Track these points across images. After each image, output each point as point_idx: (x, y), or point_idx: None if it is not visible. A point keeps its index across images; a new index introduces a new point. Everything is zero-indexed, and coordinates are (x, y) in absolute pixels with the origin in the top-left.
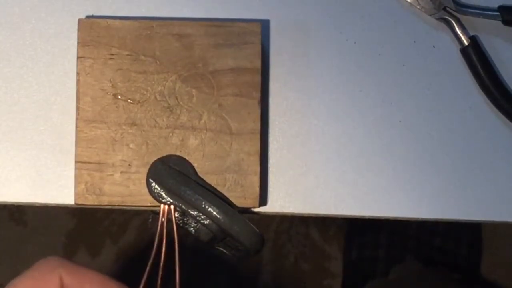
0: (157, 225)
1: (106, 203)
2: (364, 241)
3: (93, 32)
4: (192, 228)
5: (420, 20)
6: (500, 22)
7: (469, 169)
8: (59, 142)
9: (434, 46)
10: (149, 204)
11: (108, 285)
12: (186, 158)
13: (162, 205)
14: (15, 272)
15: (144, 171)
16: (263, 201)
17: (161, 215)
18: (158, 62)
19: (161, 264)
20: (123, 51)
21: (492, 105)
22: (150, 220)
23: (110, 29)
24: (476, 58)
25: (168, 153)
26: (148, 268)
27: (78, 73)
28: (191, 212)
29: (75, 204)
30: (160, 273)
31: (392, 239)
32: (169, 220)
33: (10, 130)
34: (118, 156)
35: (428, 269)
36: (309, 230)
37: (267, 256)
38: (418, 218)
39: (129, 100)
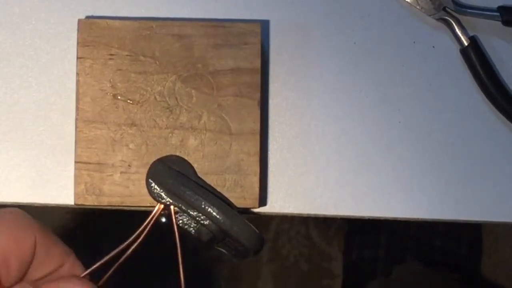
0: (151, 223)
1: (105, 204)
2: (364, 241)
3: (93, 32)
4: (192, 229)
5: (420, 20)
6: (500, 22)
7: (469, 169)
8: (59, 142)
9: (434, 46)
10: (149, 205)
11: (69, 254)
12: (186, 158)
13: (161, 205)
14: None
15: (144, 171)
16: (263, 201)
17: (153, 213)
18: (157, 62)
19: (121, 260)
20: (122, 52)
21: (492, 105)
22: (163, 220)
23: (110, 30)
24: (476, 58)
25: (167, 154)
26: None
27: (78, 74)
28: (191, 213)
29: (75, 204)
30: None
31: (392, 239)
32: (168, 221)
33: (10, 130)
34: (118, 156)
35: (428, 269)
36: (309, 230)
37: (267, 256)
38: (418, 218)
39: (128, 101)
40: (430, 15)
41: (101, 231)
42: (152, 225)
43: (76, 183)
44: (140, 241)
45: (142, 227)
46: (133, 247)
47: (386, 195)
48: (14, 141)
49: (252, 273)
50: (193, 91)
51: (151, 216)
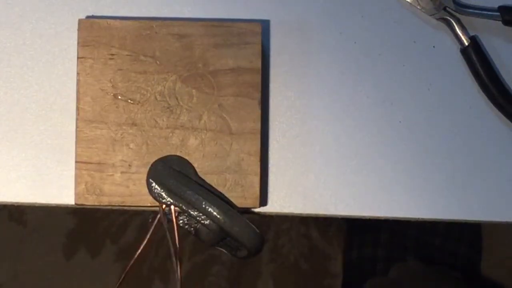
0: (153, 225)
1: (106, 203)
2: (364, 241)
3: (93, 32)
4: (192, 228)
5: (420, 20)
6: (500, 22)
7: (469, 169)
8: (59, 142)
9: (434, 46)
10: (149, 204)
11: None
12: (186, 158)
13: (162, 205)
14: (15, 272)
15: (144, 171)
16: (263, 201)
17: (159, 215)
18: (158, 62)
19: (132, 261)
20: (123, 51)
21: (492, 105)
22: (150, 220)
23: (110, 29)
24: (476, 58)
25: (168, 153)
26: (128, 267)
27: (78, 73)
28: (192, 212)
29: (75, 204)
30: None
31: (392, 239)
32: (169, 220)
33: (10, 130)
34: (118, 156)
35: (428, 268)
36: (309, 230)
37: (267, 256)
38: (418, 218)
39: (129, 100)
40: (430, 15)
41: (102, 230)
42: (155, 227)
43: (77, 183)
44: (145, 244)
45: (150, 233)
46: (139, 250)
47: (386, 195)
48: (14, 141)
49: (252, 273)
50: (193, 90)
51: (155, 222)
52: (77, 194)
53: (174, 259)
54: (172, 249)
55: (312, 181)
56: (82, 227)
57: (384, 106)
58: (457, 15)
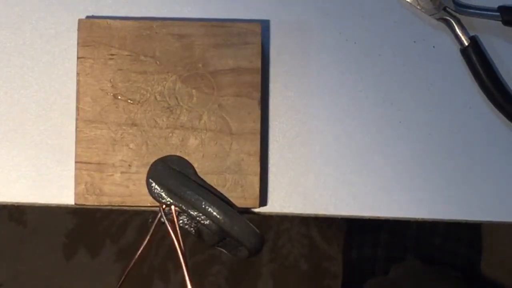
0: (153, 225)
1: (106, 203)
2: (364, 241)
3: (93, 32)
4: (192, 228)
5: (420, 20)
6: (500, 22)
7: (469, 169)
8: (59, 142)
9: (434, 46)
10: (149, 204)
11: None
12: (186, 158)
13: (162, 205)
14: (15, 272)
15: (144, 171)
16: (263, 201)
17: (159, 215)
18: (158, 62)
19: (132, 262)
20: (123, 51)
21: (492, 105)
22: (150, 220)
23: (110, 29)
24: (476, 58)
25: (168, 153)
26: (129, 267)
27: (78, 73)
28: (191, 212)
29: (75, 204)
30: (126, 271)
31: (392, 239)
32: (169, 220)
33: (10, 130)
34: (118, 156)
35: (428, 268)
36: (309, 230)
37: (267, 256)
38: (418, 218)
39: (129, 100)
40: (430, 15)
41: (102, 230)
42: (155, 227)
43: (77, 183)
44: (146, 245)
45: (150, 233)
46: (139, 250)
47: (386, 195)
48: (14, 141)
49: (252, 273)
50: (193, 91)
51: (155, 222)
52: (77, 194)
53: (182, 260)
54: (179, 252)
55: (312, 181)
56: (82, 227)
57: (384, 106)
58: (457, 15)
